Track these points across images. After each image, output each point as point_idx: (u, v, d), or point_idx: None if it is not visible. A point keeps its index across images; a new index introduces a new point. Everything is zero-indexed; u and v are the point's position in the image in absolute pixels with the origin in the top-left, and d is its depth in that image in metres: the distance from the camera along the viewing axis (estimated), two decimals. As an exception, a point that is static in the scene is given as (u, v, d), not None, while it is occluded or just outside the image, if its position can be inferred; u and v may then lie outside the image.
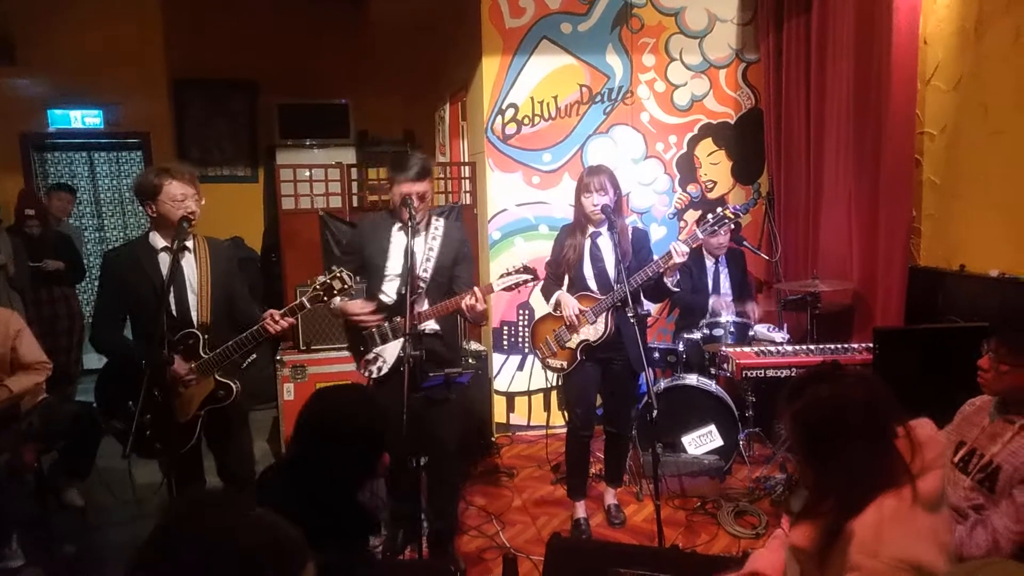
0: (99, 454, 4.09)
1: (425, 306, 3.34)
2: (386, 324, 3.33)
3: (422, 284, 3.36)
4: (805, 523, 1.74)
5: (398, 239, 3.38)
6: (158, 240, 3.08)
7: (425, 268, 3.37)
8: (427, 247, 3.40)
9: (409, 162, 3.30)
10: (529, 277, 3.24)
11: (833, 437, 1.68)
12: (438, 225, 3.46)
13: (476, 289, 3.19)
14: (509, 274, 3.25)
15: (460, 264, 3.47)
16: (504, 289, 3.27)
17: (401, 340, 3.22)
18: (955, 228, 4.04)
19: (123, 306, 3.12)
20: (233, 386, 3.12)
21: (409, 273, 3.21)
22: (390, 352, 3.32)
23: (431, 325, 3.40)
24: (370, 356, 3.37)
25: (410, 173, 3.27)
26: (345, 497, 1.93)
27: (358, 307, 3.31)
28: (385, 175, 3.52)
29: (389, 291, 3.36)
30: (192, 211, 3.03)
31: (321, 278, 3.01)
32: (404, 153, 3.39)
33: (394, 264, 3.37)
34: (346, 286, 3.01)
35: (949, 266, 4.04)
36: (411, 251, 3.22)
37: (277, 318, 3.03)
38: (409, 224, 3.22)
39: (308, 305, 3.03)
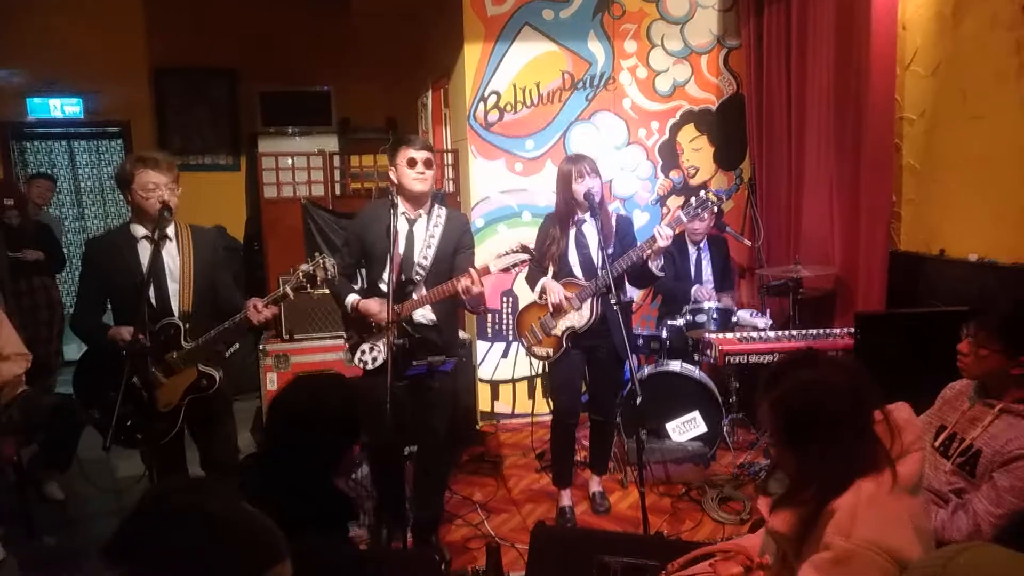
0: (80, 445, 4.07)
1: (421, 294, 3.32)
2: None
3: (421, 272, 3.34)
4: (785, 509, 1.75)
5: (401, 225, 3.36)
6: (139, 229, 3.06)
7: (425, 255, 3.35)
8: (428, 234, 3.37)
9: (410, 137, 3.38)
10: (527, 256, 3.24)
11: (813, 423, 1.68)
12: (440, 213, 3.43)
13: (472, 271, 3.17)
14: (507, 254, 3.23)
15: (461, 253, 3.45)
16: (502, 270, 3.26)
17: (395, 328, 3.23)
18: (935, 213, 4.07)
19: (104, 294, 3.11)
20: (216, 375, 3.10)
21: (393, 259, 3.21)
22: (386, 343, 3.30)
23: (428, 315, 3.38)
24: (366, 347, 3.36)
25: (414, 143, 3.30)
26: (320, 483, 1.94)
27: (376, 307, 3.27)
28: (386, 160, 3.52)
29: (391, 279, 3.29)
30: (165, 200, 2.99)
31: (304, 267, 2.99)
32: (401, 135, 3.41)
33: (397, 251, 3.32)
34: (329, 275, 3.00)
35: (929, 250, 4.07)
36: (394, 233, 3.23)
37: (260, 307, 3.01)
38: (428, 208, 3.34)
39: (291, 295, 3.02)
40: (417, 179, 3.29)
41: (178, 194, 3.08)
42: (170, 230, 3.10)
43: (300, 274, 2.98)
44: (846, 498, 1.62)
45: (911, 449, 1.69)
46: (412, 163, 3.26)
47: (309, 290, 3.06)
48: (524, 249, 3.24)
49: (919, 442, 1.72)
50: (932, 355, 2.72)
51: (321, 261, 2.99)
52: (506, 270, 3.26)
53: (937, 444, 2.42)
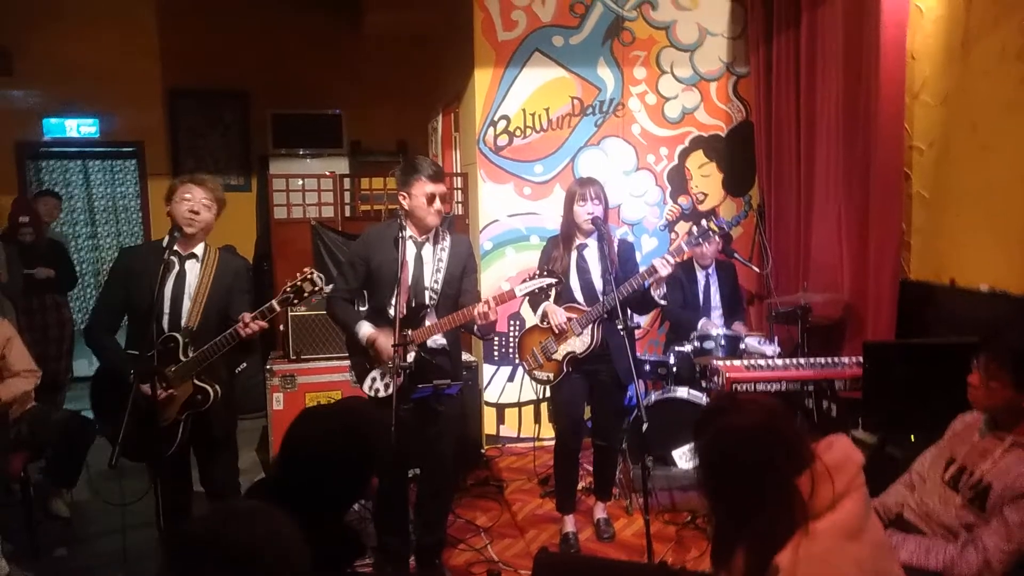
0: (89, 461, 4.07)
1: (433, 320, 3.31)
2: None
3: (434, 296, 3.33)
4: (723, 563, 1.67)
5: (409, 249, 3.34)
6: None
7: (435, 280, 3.34)
8: (436, 258, 3.37)
9: (423, 163, 3.31)
10: (554, 281, 3.24)
11: (727, 473, 1.61)
12: (445, 235, 3.43)
13: (489, 299, 3.17)
14: (532, 279, 3.23)
15: (467, 276, 3.46)
16: (526, 294, 3.25)
17: (411, 356, 3.22)
18: (945, 242, 4.05)
19: (123, 303, 3.15)
20: (211, 391, 3.09)
21: (402, 283, 3.21)
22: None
23: (438, 339, 3.37)
24: (376, 374, 3.33)
25: (429, 172, 3.26)
26: (330, 521, 1.90)
27: (384, 341, 3.22)
28: (394, 182, 3.50)
29: (399, 303, 3.27)
30: (195, 211, 3.09)
31: (292, 281, 3.01)
32: (413, 158, 3.37)
33: (406, 275, 3.31)
34: (316, 288, 3.00)
35: (939, 280, 4.04)
36: (402, 257, 3.23)
37: (247, 320, 3.01)
38: (433, 232, 3.30)
39: (278, 308, 3.03)
40: (435, 214, 3.29)
41: (213, 213, 3.18)
42: (199, 250, 3.16)
43: (287, 288, 3.00)
44: (785, 555, 1.55)
45: (848, 490, 1.62)
46: (431, 199, 3.25)
47: (296, 303, 3.06)
48: (551, 273, 3.25)
49: (856, 480, 1.64)
50: (942, 386, 2.70)
51: (308, 274, 2.99)
52: (531, 295, 3.26)
53: (947, 477, 2.39)
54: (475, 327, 3.27)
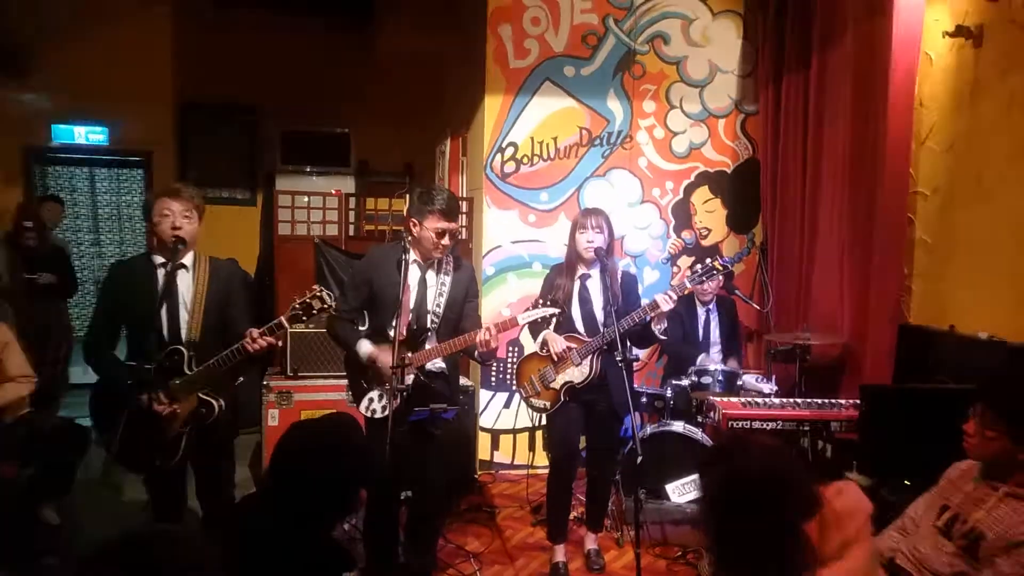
0: (83, 470, 4.05)
1: (434, 343, 3.32)
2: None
3: (435, 320, 3.34)
4: None
5: (412, 272, 3.35)
6: (158, 257, 3.12)
7: (438, 303, 3.35)
8: (439, 281, 3.38)
9: (440, 197, 3.28)
10: (556, 311, 3.28)
11: (734, 516, 1.59)
12: (448, 260, 3.44)
13: (491, 326, 3.18)
14: (535, 307, 3.27)
15: (469, 301, 3.48)
16: (528, 323, 3.31)
17: (410, 378, 3.22)
18: (946, 288, 4.06)
19: (118, 318, 3.14)
20: (215, 404, 3.09)
21: (404, 306, 3.21)
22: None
23: (438, 363, 3.38)
24: (374, 395, 3.33)
25: (444, 209, 3.25)
26: (319, 534, 1.90)
27: (385, 360, 3.21)
28: (401, 204, 3.52)
29: (400, 326, 3.27)
30: (177, 226, 3.04)
31: (301, 298, 3.01)
32: (431, 188, 3.35)
33: (408, 298, 3.32)
34: (325, 305, 3.00)
35: (939, 326, 4.05)
36: (404, 279, 3.23)
37: (255, 336, 3.02)
38: (432, 265, 3.29)
39: (287, 325, 3.03)
40: (440, 249, 3.31)
41: (196, 222, 3.13)
42: (188, 259, 3.14)
43: (296, 304, 3.00)
44: None
45: (857, 539, 1.61)
46: (441, 235, 3.26)
47: (305, 320, 3.05)
48: (555, 303, 3.28)
49: (865, 529, 1.63)
50: (938, 432, 2.70)
51: (318, 292, 3.00)
52: (533, 324, 3.28)
53: (940, 524, 2.39)
54: (476, 353, 3.27)
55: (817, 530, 1.59)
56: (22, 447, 3.93)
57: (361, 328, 3.49)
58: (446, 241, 3.29)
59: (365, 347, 3.30)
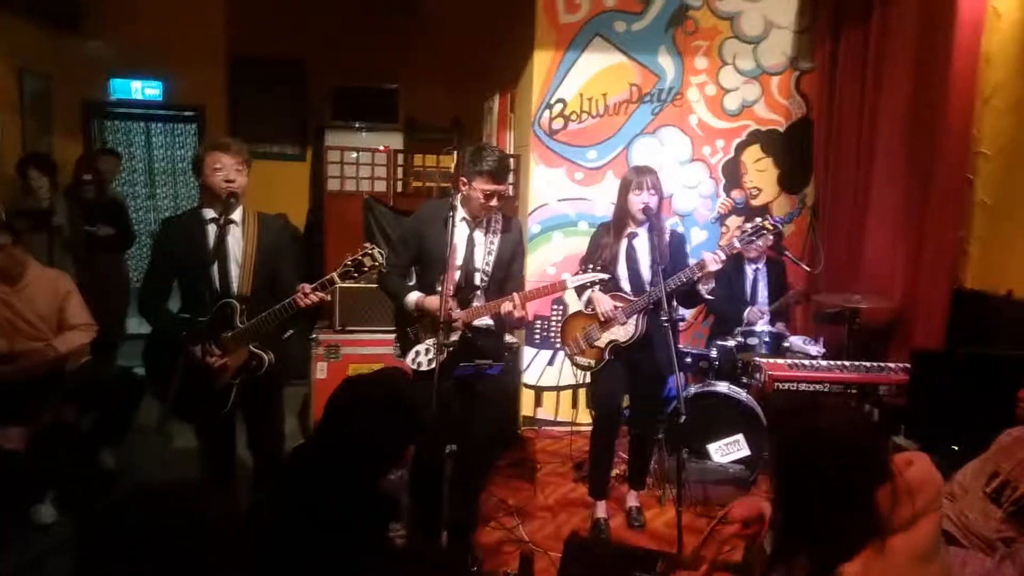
0: (138, 417, 4.20)
1: (480, 302, 3.36)
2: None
3: (484, 278, 3.38)
4: (781, 568, 1.66)
5: (461, 230, 3.37)
6: (208, 212, 3.17)
7: (487, 262, 3.38)
8: (488, 240, 3.40)
9: (490, 158, 3.26)
10: (605, 276, 3.28)
11: (810, 476, 1.58)
12: (498, 218, 3.45)
13: (516, 295, 3.21)
14: (584, 272, 3.27)
15: (516, 261, 3.50)
16: (576, 287, 3.33)
17: (456, 332, 3.28)
18: (1005, 252, 3.95)
19: (171, 273, 3.22)
20: (265, 357, 3.17)
21: (450, 267, 3.24)
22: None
23: (485, 320, 3.42)
24: (421, 347, 3.39)
25: (494, 170, 3.25)
26: (367, 485, 1.96)
27: (437, 303, 3.24)
28: (449, 161, 3.52)
29: (449, 281, 3.31)
30: (231, 179, 3.09)
31: (353, 255, 3.05)
32: (482, 147, 3.34)
33: (456, 256, 3.36)
34: (377, 263, 3.03)
35: (996, 290, 3.95)
36: (452, 238, 3.25)
37: (308, 291, 3.07)
38: (481, 224, 3.30)
39: (339, 280, 3.07)
40: (487, 208, 3.32)
41: (246, 176, 3.18)
42: (237, 215, 3.19)
43: (348, 262, 3.04)
44: (854, 566, 1.52)
45: (926, 511, 1.59)
46: (489, 196, 3.27)
47: (356, 277, 3.10)
48: (605, 269, 3.28)
49: (936, 502, 1.62)
50: (990, 399, 2.66)
51: (369, 249, 3.04)
52: (579, 288, 3.28)
53: (989, 490, 2.37)
54: (502, 321, 3.30)
55: (889, 499, 1.58)
56: (83, 393, 4.09)
57: (411, 283, 3.55)
58: (494, 202, 3.30)
59: (412, 296, 3.36)
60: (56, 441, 3.90)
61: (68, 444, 3.99)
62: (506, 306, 3.21)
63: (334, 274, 3.07)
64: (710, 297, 3.59)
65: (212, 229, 3.14)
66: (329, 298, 3.18)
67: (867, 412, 3.70)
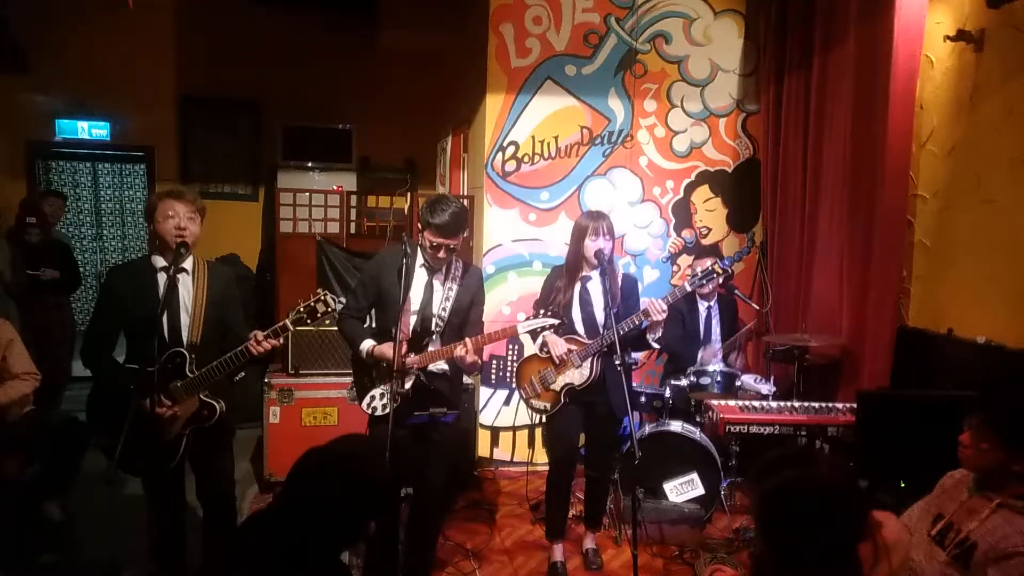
0: (84, 467, 4.08)
1: (437, 347, 3.36)
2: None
3: (440, 324, 3.38)
4: None
5: (419, 275, 3.40)
6: (158, 260, 3.13)
7: (444, 307, 3.39)
8: (446, 288, 3.42)
9: (444, 213, 3.24)
10: (556, 322, 3.34)
11: (798, 525, 1.62)
12: (458, 266, 3.48)
13: (468, 341, 3.23)
14: (536, 316, 3.31)
15: (475, 307, 3.51)
16: (528, 332, 3.37)
17: (411, 378, 3.29)
18: (944, 291, 4.08)
19: (118, 322, 3.15)
20: (217, 406, 3.13)
21: (406, 311, 3.25)
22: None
23: (440, 365, 3.42)
24: (376, 392, 3.37)
25: (442, 225, 3.24)
26: (325, 559, 1.91)
27: (390, 352, 3.23)
28: (402, 202, 3.54)
29: (404, 327, 3.32)
30: (182, 227, 3.06)
31: (305, 301, 3.03)
32: (439, 200, 3.32)
33: (413, 300, 3.37)
34: (329, 309, 3.03)
35: (937, 329, 4.07)
36: (406, 282, 3.27)
37: (260, 339, 3.04)
38: (440, 270, 3.36)
39: (291, 327, 3.05)
40: (436, 259, 3.34)
41: (198, 225, 3.15)
42: (187, 264, 3.15)
43: (301, 308, 3.03)
44: None
45: (900, 571, 1.64)
46: (438, 249, 3.29)
47: (309, 323, 3.08)
48: (555, 315, 3.33)
49: (907, 563, 1.66)
50: (934, 439, 2.71)
51: (322, 295, 3.03)
52: (532, 333, 3.31)
53: (934, 533, 2.41)
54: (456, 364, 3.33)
55: (871, 556, 1.61)
56: (27, 444, 3.96)
57: (372, 326, 3.54)
58: (442, 255, 3.32)
59: (366, 344, 3.35)
60: (-1, 496, 3.78)
61: (12, 498, 3.86)
62: (459, 351, 3.23)
63: (287, 321, 3.05)
64: (656, 345, 3.65)
65: (162, 278, 3.09)
66: (281, 344, 3.14)
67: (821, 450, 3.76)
